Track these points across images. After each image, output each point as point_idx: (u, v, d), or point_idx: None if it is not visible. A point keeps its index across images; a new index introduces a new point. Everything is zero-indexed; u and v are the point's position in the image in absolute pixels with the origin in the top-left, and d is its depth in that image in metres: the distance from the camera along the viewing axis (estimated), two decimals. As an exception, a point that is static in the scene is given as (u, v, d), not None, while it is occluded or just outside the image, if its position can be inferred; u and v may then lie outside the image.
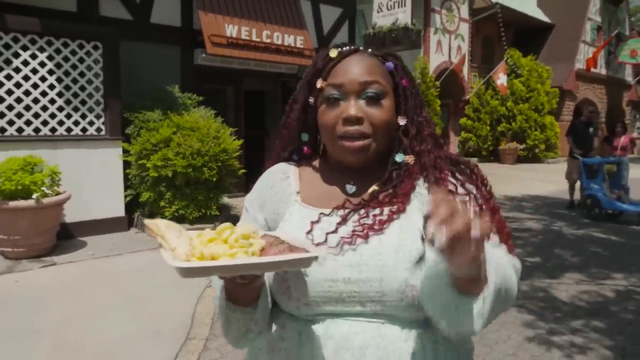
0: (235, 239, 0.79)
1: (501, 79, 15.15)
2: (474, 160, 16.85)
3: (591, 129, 8.36)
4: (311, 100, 1.01)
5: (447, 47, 15.66)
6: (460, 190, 0.94)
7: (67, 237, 5.57)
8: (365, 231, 0.91)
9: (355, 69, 0.95)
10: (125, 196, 6.18)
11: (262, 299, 0.92)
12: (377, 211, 0.95)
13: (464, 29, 16.32)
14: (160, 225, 0.83)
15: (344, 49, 0.99)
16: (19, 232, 4.78)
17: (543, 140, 17.12)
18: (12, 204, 4.69)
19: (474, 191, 0.94)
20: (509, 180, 12.47)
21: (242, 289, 0.87)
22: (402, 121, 0.99)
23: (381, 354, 0.87)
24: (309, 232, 0.94)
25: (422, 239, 0.89)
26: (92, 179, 5.83)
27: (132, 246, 5.45)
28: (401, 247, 0.89)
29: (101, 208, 5.93)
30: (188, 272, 0.71)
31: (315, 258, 0.78)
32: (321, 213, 0.97)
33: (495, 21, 16.04)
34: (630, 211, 7.34)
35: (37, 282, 4.30)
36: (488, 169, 14.79)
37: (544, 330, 3.48)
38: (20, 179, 4.69)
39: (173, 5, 7.80)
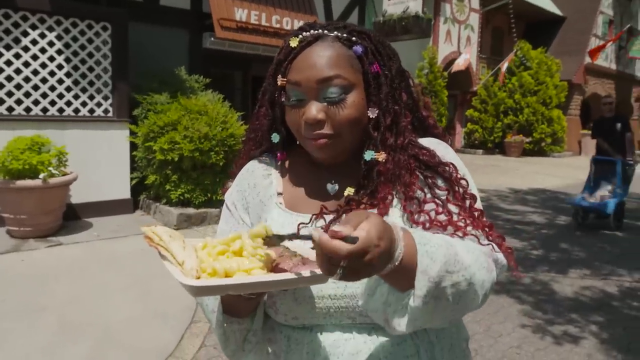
0: (249, 252, 0.74)
1: (504, 68, 15.02)
2: (479, 152, 16.90)
3: (619, 125, 6.64)
4: (277, 96, 0.93)
5: (456, 37, 15.53)
6: (429, 196, 0.87)
7: (73, 218, 5.60)
8: None
9: (314, 63, 0.85)
10: (132, 179, 6.18)
11: (260, 309, 0.89)
12: None
13: (474, 19, 16.16)
14: (161, 235, 0.75)
15: (305, 34, 0.89)
16: (25, 212, 4.80)
17: (550, 134, 17.03)
18: (19, 183, 4.70)
19: (443, 197, 0.86)
20: (514, 173, 12.41)
21: (243, 302, 0.84)
22: (372, 114, 0.88)
23: (374, 359, 0.84)
24: None
25: None
26: (98, 160, 5.83)
27: (137, 228, 5.45)
28: None
29: (107, 190, 5.94)
30: (201, 291, 0.66)
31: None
32: (300, 223, 0.90)
33: (506, 12, 15.86)
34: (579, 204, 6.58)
35: (43, 262, 4.33)
36: (493, 161, 14.80)
37: (548, 324, 3.49)
38: (28, 159, 4.70)
39: (182, -13, 7.74)
